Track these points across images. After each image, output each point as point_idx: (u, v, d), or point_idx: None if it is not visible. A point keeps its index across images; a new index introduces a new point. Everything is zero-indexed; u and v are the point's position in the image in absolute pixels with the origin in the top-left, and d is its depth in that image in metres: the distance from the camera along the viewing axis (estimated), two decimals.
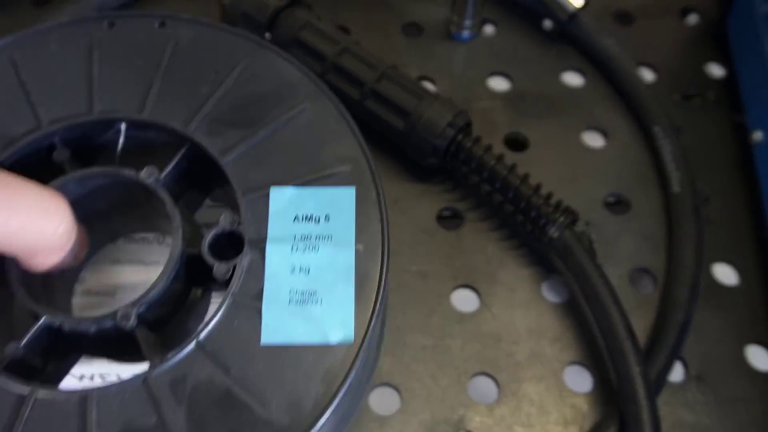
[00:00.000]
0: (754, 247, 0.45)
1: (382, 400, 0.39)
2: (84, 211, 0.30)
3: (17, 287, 0.28)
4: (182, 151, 0.32)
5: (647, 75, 0.53)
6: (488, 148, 0.44)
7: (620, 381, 0.37)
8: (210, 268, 0.30)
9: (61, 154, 0.32)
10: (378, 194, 0.31)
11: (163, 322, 0.30)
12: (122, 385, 0.27)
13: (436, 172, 0.47)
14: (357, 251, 0.29)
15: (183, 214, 0.31)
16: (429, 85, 0.50)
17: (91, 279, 0.37)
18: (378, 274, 0.29)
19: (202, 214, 0.35)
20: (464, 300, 0.43)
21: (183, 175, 0.32)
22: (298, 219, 0.29)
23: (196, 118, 0.32)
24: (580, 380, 0.40)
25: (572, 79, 0.52)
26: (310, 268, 0.29)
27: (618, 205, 0.47)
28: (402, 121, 0.44)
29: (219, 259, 0.29)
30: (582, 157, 0.49)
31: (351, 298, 0.28)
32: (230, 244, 0.30)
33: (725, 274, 0.45)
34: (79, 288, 0.36)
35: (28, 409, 0.26)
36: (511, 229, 0.45)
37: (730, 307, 0.43)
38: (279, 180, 0.30)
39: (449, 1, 0.53)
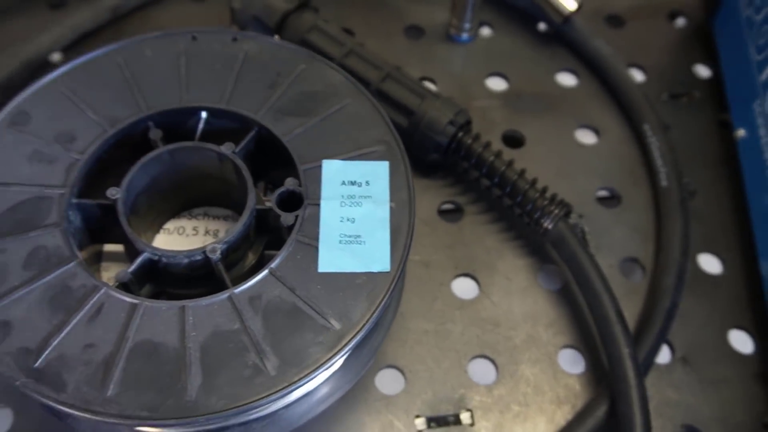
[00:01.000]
0: (737, 238, 0.48)
1: (387, 381, 0.42)
2: (163, 187, 0.38)
3: (129, 230, 0.34)
4: (252, 133, 0.38)
5: (637, 75, 0.55)
6: (487, 145, 0.46)
7: (611, 362, 0.40)
8: (271, 222, 0.36)
9: (155, 134, 0.38)
10: (405, 167, 0.37)
11: (232, 264, 0.36)
12: (212, 299, 0.32)
13: (437, 167, 0.49)
14: (391, 207, 0.36)
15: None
16: (430, 85, 0.52)
17: (158, 241, 0.41)
18: (407, 225, 0.36)
19: None
20: (464, 288, 0.45)
21: (250, 153, 0.38)
22: (344, 183, 0.36)
23: (263, 108, 0.38)
24: (573, 362, 0.43)
25: (566, 79, 0.55)
26: (355, 218, 0.35)
27: (609, 198, 0.50)
28: (406, 119, 0.47)
29: (285, 211, 0.35)
30: (575, 154, 0.51)
31: (387, 240, 0.35)
32: (292, 201, 0.36)
33: (710, 263, 0.47)
34: None
35: (140, 313, 0.32)
36: (508, 221, 0.47)
37: (714, 295, 0.46)
38: (329, 155, 0.37)
39: (449, 5, 0.55)
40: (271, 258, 0.34)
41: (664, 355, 0.44)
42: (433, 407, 0.41)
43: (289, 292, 0.33)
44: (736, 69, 0.51)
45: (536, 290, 0.45)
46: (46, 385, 0.30)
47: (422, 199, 0.48)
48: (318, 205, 0.35)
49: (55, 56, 0.52)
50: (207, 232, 0.41)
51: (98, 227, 0.36)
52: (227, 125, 0.38)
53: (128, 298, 0.32)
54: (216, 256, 0.33)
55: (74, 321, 0.31)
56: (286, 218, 0.35)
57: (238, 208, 0.36)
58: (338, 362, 0.32)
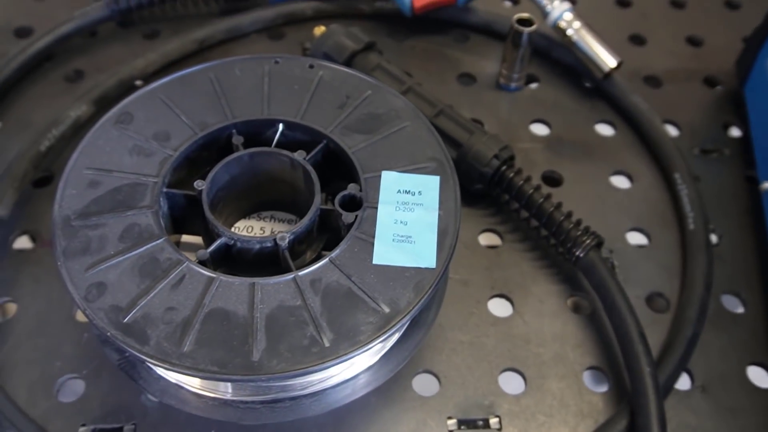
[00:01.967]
0: (759, 281, 0.51)
1: (423, 384, 0.45)
2: (239, 186, 0.44)
3: (210, 217, 0.40)
4: (321, 144, 0.43)
5: (671, 131, 0.60)
6: (527, 179, 0.51)
7: (632, 379, 0.43)
8: (332, 222, 0.41)
9: (237, 139, 0.43)
10: (454, 183, 0.42)
11: (296, 255, 0.41)
12: (278, 279, 0.37)
13: (481, 198, 0.54)
14: (439, 215, 0.40)
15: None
16: (479, 126, 0.57)
17: None
18: (453, 229, 0.40)
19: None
20: (499, 306, 0.49)
21: (318, 162, 0.43)
22: (400, 192, 0.41)
23: (332, 124, 0.44)
24: (597, 382, 0.46)
25: (604, 129, 0.60)
26: (407, 221, 0.39)
27: (639, 237, 0.53)
28: (455, 151, 0.52)
29: (346, 212, 0.40)
30: (609, 196, 0.55)
31: (434, 241, 0.39)
32: (353, 203, 0.41)
33: (732, 303, 0.50)
34: None
35: (215, 286, 0.37)
36: (543, 250, 0.51)
37: (735, 331, 0.49)
38: (388, 167, 0.42)
39: (499, 57, 0.61)
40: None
41: (684, 383, 0.46)
42: (465, 411, 0.44)
43: (345, 278, 0.37)
44: (763, 128, 0.55)
45: (566, 314, 0.49)
46: (132, 338, 0.34)
47: (465, 225, 0.52)
48: (376, 208, 0.40)
49: (138, 82, 0.59)
50: (273, 233, 0.45)
51: (181, 216, 0.42)
52: (300, 137, 0.44)
53: (206, 272, 0.37)
54: (284, 243, 0.38)
55: (159, 287, 0.36)
56: (347, 217, 0.39)
57: (302, 214, 0.41)
58: (385, 342, 0.36)
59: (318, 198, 0.40)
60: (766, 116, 0.55)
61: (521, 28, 0.57)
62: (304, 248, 0.41)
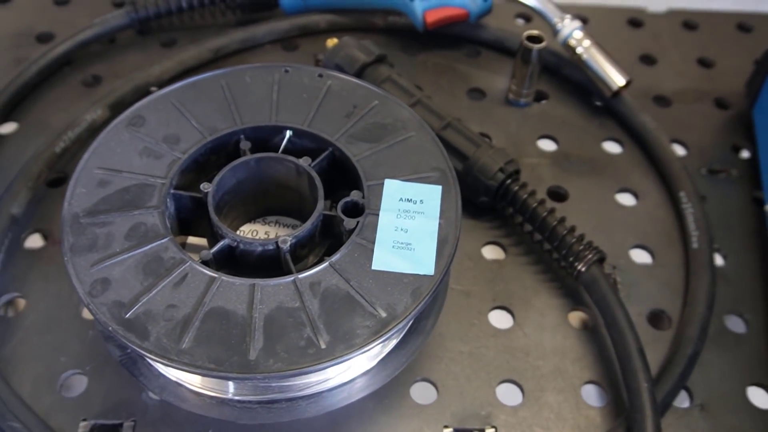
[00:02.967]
0: (763, 303, 0.51)
1: (421, 392, 0.46)
2: (245, 191, 0.45)
3: (215, 218, 0.41)
4: (327, 152, 0.44)
5: (679, 150, 0.60)
6: (532, 193, 0.51)
7: (629, 394, 0.43)
8: (334, 228, 0.42)
9: (244, 144, 0.44)
10: (455, 193, 0.42)
11: (297, 259, 0.42)
12: (278, 281, 0.38)
13: (486, 210, 0.54)
14: (439, 224, 0.41)
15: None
16: (486, 140, 0.58)
17: None
18: (452, 239, 0.41)
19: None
20: (500, 318, 0.49)
21: (323, 169, 0.44)
22: (402, 200, 0.41)
23: (339, 132, 0.45)
24: (595, 397, 0.46)
25: (611, 147, 0.60)
26: (408, 229, 0.40)
27: (643, 255, 0.53)
28: (461, 163, 0.52)
29: (348, 217, 0.41)
30: (614, 213, 0.55)
31: (434, 249, 0.40)
32: (355, 210, 0.42)
33: (735, 324, 0.50)
34: None
35: (217, 285, 0.38)
36: (546, 264, 0.52)
37: (737, 352, 0.49)
38: (391, 175, 0.43)
39: (509, 73, 0.61)
40: None
41: (683, 401, 0.46)
42: (461, 420, 0.44)
43: (344, 282, 0.38)
44: None
45: (566, 328, 0.49)
46: (132, 333, 0.35)
47: (469, 237, 0.53)
48: (377, 215, 0.40)
49: (153, 88, 0.60)
50: (278, 236, 0.46)
51: (187, 218, 0.43)
52: (307, 145, 0.45)
53: (208, 272, 0.38)
54: (286, 247, 0.39)
55: (162, 285, 0.37)
56: (349, 223, 0.40)
57: (307, 219, 0.41)
58: (382, 347, 0.37)
59: (321, 203, 0.41)
60: None
61: (531, 44, 0.58)
62: (306, 252, 0.42)
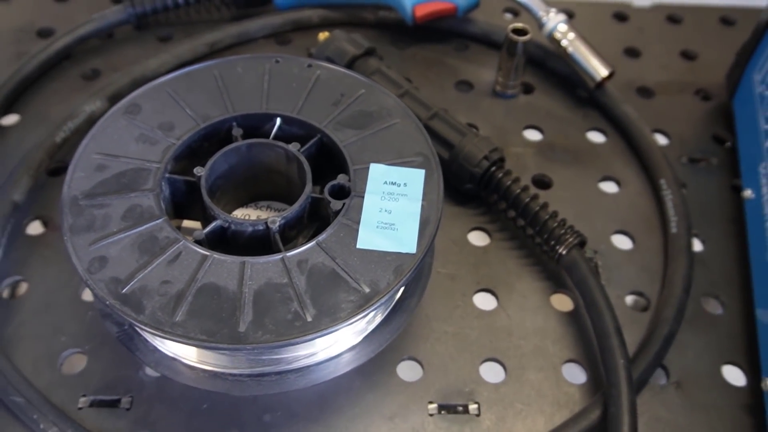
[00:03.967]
0: (738, 286, 0.53)
1: (407, 370, 0.47)
2: (237, 176, 0.46)
3: (207, 200, 0.42)
4: (315, 138, 0.46)
5: (661, 140, 0.62)
6: (516, 180, 0.53)
7: (606, 371, 0.45)
8: (322, 211, 0.44)
9: (236, 131, 0.46)
10: (438, 176, 0.44)
11: (287, 240, 0.43)
12: (268, 258, 0.40)
13: (472, 197, 0.56)
14: (422, 205, 0.43)
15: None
16: (473, 129, 0.60)
17: None
18: (434, 219, 0.42)
19: None
20: (484, 300, 0.51)
21: (311, 155, 0.46)
22: (386, 183, 0.43)
23: (327, 119, 0.46)
24: (575, 375, 0.48)
25: (595, 136, 0.62)
26: (392, 210, 0.42)
27: (623, 240, 0.55)
28: (447, 152, 0.54)
29: (335, 199, 0.43)
30: (596, 199, 0.57)
31: (416, 229, 0.42)
32: (341, 192, 0.44)
33: (712, 305, 0.52)
34: None
35: (209, 262, 0.39)
36: (529, 249, 0.53)
37: (713, 332, 0.50)
38: (376, 160, 0.45)
39: (496, 66, 0.63)
40: None
41: (659, 379, 0.48)
42: (445, 396, 0.46)
43: (330, 260, 0.39)
44: (748, 138, 0.57)
45: (548, 310, 0.51)
46: (129, 307, 0.37)
47: (455, 223, 0.55)
48: (362, 197, 0.42)
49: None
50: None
51: (182, 201, 0.44)
52: (296, 132, 0.46)
53: (201, 250, 0.39)
54: (275, 227, 0.41)
55: (156, 262, 0.39)
56: (335, 204, 0.42)
57: None
58: (367, 322, 0.38)
59: (309, 186, 0.43)
60: (751, 127, 0.56)
61: (516, 37, 0.59)
62: (295, 234, 0.44)
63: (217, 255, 0.39)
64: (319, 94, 0.47)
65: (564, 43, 0.62)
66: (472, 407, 0.46)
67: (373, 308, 0.38)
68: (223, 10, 0.68)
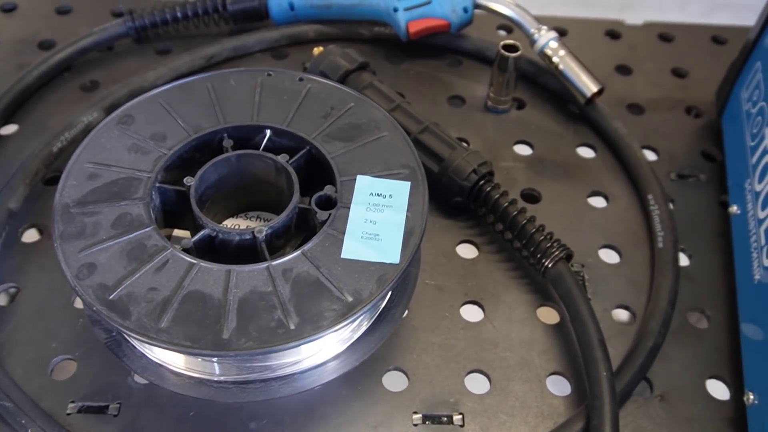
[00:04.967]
0: (724, 301, 0.53)
1: (393, 380, 0.48)
2: (227, 186, 0.47)
3: (196, 209, 0.43)
4: (304, 150, 0.47)
5: (650, 156, 0.62)
6: (504, 194, 0.54)
7: (590, 383, 0.45)
8: (309, 221, 0.44)
9: (227, 142, 0.47)
10: (423, 189, 0.45)
11: (274, 249, 0.44)
12: (253, 267, 0.40)
13: (461, 211, 0.57)
14: (407, 216, 0.43)
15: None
16: (463, 143, 0.61)
17: None
18: (418, 230, 0.43)
19: None
20: (471, 312, 0.52)
21: (300, 167, 0.47)
22: (372, 194, 0.44)
23: (316, 132, 0.47)
24: (560, 387, 0.48)
25: (585, 152, 0.63)
26: (377, 221, 0.43)
27: (611, 254, 0.56)
28: (437, 165, 0.55)
29: (321, 210, 0.43)
30: (585, 214, 0.58)
31: (400, 240, 0.42)
32: (328, 203, 0.44)
33: (697, 320, 0.52)
34: None
35: (195, 270, 0.40)
36: (517, 262, 0.54)
37: (698, 346, 0.51)
38: (363, 172, 0.45)
39: (488, 81, 0.64)
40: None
41: (644, 391, 0.48)
42: (430, 407, 0.47)
43: (315, 269, 0.40)
44: (736, 154, 0.58)
45: (534, 322, 0.51)
46: (115, 313, 0.38)
47: (444, 235, 0.55)
48: (348, 208, 0.43)
49: None
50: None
51: (172, 210, 0.45)
52: (286, 143, 0.47)
53: (188, 258, 0.40)
54: (261, 236, 0.42)
55: (144, 269, 0.39)
56: (322, 215, 0.43)
57: None
58: (352, 331, 0.39)
59: (296, 196, 0.43)
60: (738, 144, 0.57)
61: (507, 53, 0.60)
62: (283, 243, 0.44)
63: (203, 263, 0.40)
64: (309, 107, 0.48)
65: (555, 59, 0.62)
66: (457, 418, 0.46)
67: (355, 317, 0.38)
68: (221, 24, 0.70)
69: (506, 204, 0.53)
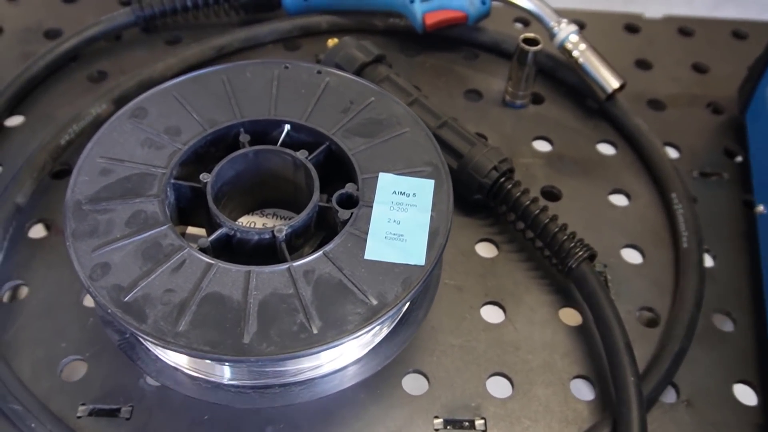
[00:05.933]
0: (750, 302, 0.52)
1: (413, 383, 0.46)
2: (243, 182, 0.45)
3: (213, 207, 0.42)
4: (323, 146, 0.45)
5: (672, 153, 0.61)
6: (525, 191, 0.52)
7: (616, 388, 0.44)
8: (330, 219, 0.43)
9: (244, 137, 0.45)
10: (447, 187, 0.43)
11: (293, 249, 0.43)
12: (273, 268, 0.39)
13: (480, 208, 0.55)
14: (431, 216, 0.42)
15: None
16: (482, 139, 0.59)
17: None
18: (444, 230, 0.41)
19: None
20: (492, 313, 0.50)
21: (319, 163, 0.45)
22: (395, 193, 0.43)
23: (335, 127, 0.46)
24: (584, 391, 0.47)
25: (605, 148, 0.61)
26: (400, 221, 0.41)
27: (633, 254, 0.54)
28: (456, 161, 0.53)
29: (343, 209, 0.42)
30: (606, 213, 0.56)
31: (425, 240, 0.41)
32: (350, 202, 0.43)
33: (722, 322, 0.51)
34: None
35: (214, 271, 0.39)
36: (538, 261, 0.53)
37: (724, 349, 0.49)
38: (385, 169, 0.44)
39: (506, 75, 0.63)
40: None
41: (669, 397, 0.47)
42: (451, 411, 0.45)
43: (337, 271, 0.39)
44: (761, 153, 0.56)
45: (557, 324, 0.50)
46: (131, 316, 0.36)
47: (463, 234, 0.54)
48: (371, 207, 0.42)
49: None
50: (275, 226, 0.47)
51: (187, 207, 0.44)
52: (304, 139, 0.46)
53: (206, 258, 0.39)
54: (281, 236, 0.40)
55: (160, 270, 0.38)
56: (343, 214, 0.41)
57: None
58: (373, 335, 0.38)
59: (317, 194, 0.42)
60: (764, 143, 0.56)
61: (527, 47, 0.59)
62: (302, 242, 0.43)
63: (222, 264, 0.38)
64: (328, 101, 0.47)
65: (575, 53, 0.61)
66: (479, 423, 0.45)
67: (380, 321, 0.37)
68: (232, 14, 0.68)
69: (528, 202, 0.51)
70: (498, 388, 0.47)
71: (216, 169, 0.43)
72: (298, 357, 0.36)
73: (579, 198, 0.57)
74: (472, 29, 0.67)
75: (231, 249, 0.42)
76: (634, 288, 0.52)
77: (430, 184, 0.43)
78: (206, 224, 0.44)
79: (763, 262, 0.52)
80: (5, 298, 0.49)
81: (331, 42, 0.60)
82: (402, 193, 0.42)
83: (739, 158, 0.61)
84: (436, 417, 0.45)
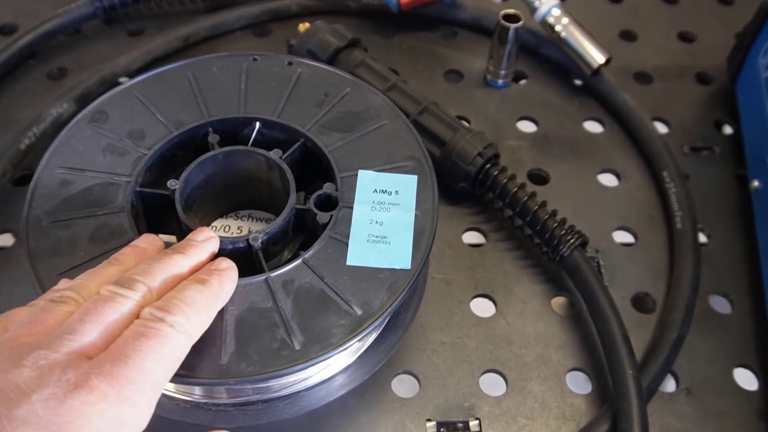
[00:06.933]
0: (747, 283, 0.50)
1: (403, 386, 0.45)
2: (215, 186, 0.43)
3: (183, 216, 0.39)
4: (298, 144, 0.43)
5: (661, 128, 0.59)
6: (512, 177, 0.50)
7: (614, 381, 0.42)
8: (308, 222, 0.41)
9: (213, 138, 0.43)
10: (432, 182, 0.41)
11: (271, 256, 0.40)
12: (250, 280, 0.37)
13: (466, 196, 0.53)
14: (416, 215, 0.40)
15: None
16: (465, 123, 0.57)
17: None
18: (429, 230, 0.39)
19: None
20: (482, 307, 0.48)
21: (295, 161, 0.42)
22: (376, 191, 0.40)
23: (310, 123, 0.43)
24: (580, 384, 0.45)
25: (592, 126, 0.59)
26: (383, 222, 0.39)
27: (626, 236, 0.52)
28: (438, 149, 0.51)
29: (321, 211, 0.39)
30: (596, 194, 0.54)
31: (410, 242, 0.38)
32: (328, 203, 0.40)
33: (720, 304, 0.50)
34: None
35: None
36: (528, 250, 0.51)
37: (723, 333, 0.48)
38: (365, 166, 0.41)
39: (487, 54, 0.60)
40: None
41: (669, 385, 0.46)
42: (444, 413, 0.43)
43: (318, 280, 0.36)
44: (754, 126, 0.54)
45: (550, 315, 0.48)
46: None
47: (449, 224, 0.52)
48: (351, 208, 0.39)
49: (123, 79, 0.59)
50: (250, 233, 0.45)
51: (156, 216, 0.41)
52: (277, 136, 0.43)
53: None
54: (257, 244, 0.38)
55: None
56: (322, 217, 0.39)
57: (280, 213, 0.40)
58: (361, 342, 0.36)
59: (293, 197, 0.40)
60: (757, 114, 0.54)
61: (508, 24, 0.56)
62: (280, 248, 0.41)
63: None
64: (301, 94, 0.44)
65: (558, 28, 0.58)
66: (473, 423, 0.43)
67: (366, 332, 0.35)
68: (197, 1, 0.64)
69: (515, 189, 0.49)
70: (492, 385, 0.45)
71: (184, 174, 0.40)
72: (280, 376, 0.34)
73: (567, 180, 0.55)
74: (449, 6, 0.64)
75: None
76: (628, 273, 0.50)
77: (413, 179, 0.40)
78: (177, 233, 0.41)
79: (760, 240, 0.50)
80: None
81: (303, 27, 0.57)
82: (384, 191, 0.40)
83: (729, 129, 0.59)
84: (429, 420, 0.43)
